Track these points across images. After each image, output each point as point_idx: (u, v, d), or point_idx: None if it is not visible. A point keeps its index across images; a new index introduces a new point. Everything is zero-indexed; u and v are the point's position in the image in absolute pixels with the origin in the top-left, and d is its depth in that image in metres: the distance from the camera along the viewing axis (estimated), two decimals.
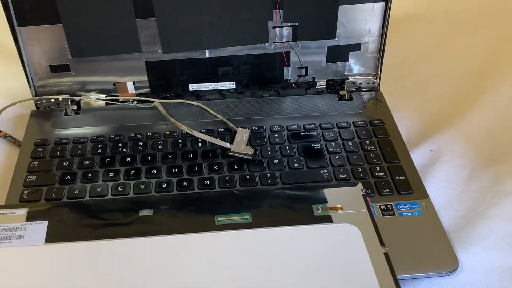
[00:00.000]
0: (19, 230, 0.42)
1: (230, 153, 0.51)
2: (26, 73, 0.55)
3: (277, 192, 0.47)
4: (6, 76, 0.63)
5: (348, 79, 0.60)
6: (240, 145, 0.52)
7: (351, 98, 0.59)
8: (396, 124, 0.56)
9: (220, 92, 0.59)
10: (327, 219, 0.43)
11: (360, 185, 0.46)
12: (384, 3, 0.55)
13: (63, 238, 0.42)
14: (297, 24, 0.55)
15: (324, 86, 0.60)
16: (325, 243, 0.42)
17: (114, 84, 0.57)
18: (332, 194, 0.45)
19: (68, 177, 0.49)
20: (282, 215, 0.44)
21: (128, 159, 0.51)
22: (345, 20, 0.56)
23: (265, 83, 0.59)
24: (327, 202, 0.45)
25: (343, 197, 0.45)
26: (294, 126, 0.55)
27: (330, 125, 0.55)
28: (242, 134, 0.53)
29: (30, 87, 0.56)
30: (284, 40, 0.56)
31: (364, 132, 0.54)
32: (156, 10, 0.52)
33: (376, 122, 0.56)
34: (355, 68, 0.60)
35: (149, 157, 0.51)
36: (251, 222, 0.43)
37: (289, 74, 0.59)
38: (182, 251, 0.41)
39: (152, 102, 0.56)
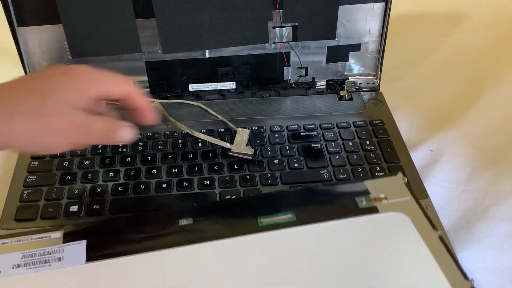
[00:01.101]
0: (58, 253, 0.41)
1: (230, 153, 0.51)
2: (26, 73, 0.55)
3: (317, 189, 0.46)
4: (6, 76, 0.63)
5: (348, 79, 0.60)
6: (240, 145, 0.52)
7: (351, 98, 0.59)
8: (396, 124, 0.56)
9: (220, 92, 0.59)
10: (373, 210, 0.42)
11: (400, 174, 0.46)
12: (384, 3, 0.55)
13: (105, 255, 0.41)
14: (297, 24, 0.55)
15: (324, 86, 0.60)
16: (375, 234, 0.41)
17: None
18: (373, 185, 0.45)
19: (68, 177, 0.49)
20: (326, 210, 0.43)
21: (128, 159, 0.51)
22: (345, 20, 0.56)
23: (265, 83, 0.59)
24: (370, 194, 0.44)
25: (385, 188, 0.44)
26: (294, 126, 0.55)
27: (330, 125, 0.55)
28: (242, 134, 0.53)
29: None
30: (284, 40, 0.56)
31: (364, 132, 0.54)
32: (156, 10, 0.52)
33: (376, 122, 0.56)
34: (355, 68, 0.60)
35: (149, 157, 0.51)
36: (295, 220, 0.42)
37: (289, 74, 0.59)
38: (229, 256, 0.40)
39: (152, 102, 0.56)
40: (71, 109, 0.37)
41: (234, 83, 0.59)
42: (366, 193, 0.44)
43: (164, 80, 0.57)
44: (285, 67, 0.58)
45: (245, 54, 0.57)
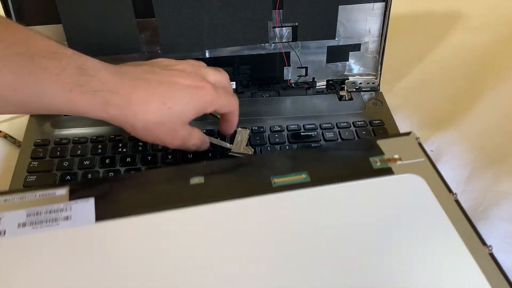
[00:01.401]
0: (65, 211, 0.39)
1: (230, 153, 0.51)
2: None
3: (331, 148, 0.46)
4: None
5: (348, 79, 0.60)
6: (240, 145, 0.52)
7: (351, 98, 0.59)
8: (396, 124, 0.56)
9: None
10: (387, 171, 0.42)
11: (413, 134, 0.45)
12: (384, 3, 0.55)
13: (114, 214, 0.39)
14: (297, 24, 0.55)
15: (324, 86, 0.60)
16: (390, 195, 0.40)
17: None
18: (387, 145, 0.44)
19: (68, 177, 0.49)
20: (340, 171, 0.42)
21: (128, 159, 0.51)
22: (345, 20, 0.56)
23: (265, 83, 0.59)
24: (384, 154, 0.43)
25: (399, 148, 0.43)
26: (294, 126, 0.55)
27: (330, 125, 0.55)
28: (242, 134, 0.53)
29: None
30: (284, 40, 0.56)
31: (364, 132, 0.54)
32: (156, 10, 0.52)
33: (376, 122, 0.56)
34: (355, 68, 0.60)
35: (149, 157, 0.51)
36: (309, 181, 0.41)
37: (289, 74, 0.59)
38: (241, 217, 0.39)
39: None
40: (182, 124, 0.44)
41: (234, 83, 0.58)
42: (380, 153, 0.43)
43: None
44: (285, 67, 0.58)
45: (245, 54, 0.57)
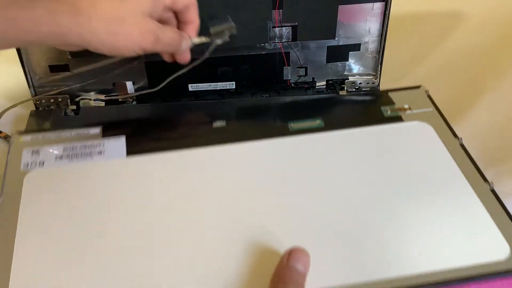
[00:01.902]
0: (98, 146, 0.44)
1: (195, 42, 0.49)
2: (25, 73, 0.55)
3: (344, 98, 0.49)
4: (6, 76, 0.63)
5: (348, 79, 0.60)
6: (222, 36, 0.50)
7: None
8: None
9: (220, 92, 0.59)
10: (398, 119, 0.46)
11: (423, 87, 0.48)
12: (384, 3, 0.55)
13: (144, 150, 0.44)
14: (297, 24, 0.55)
15: (324, 86, 0.60)
16: (400, 140, 0.44)
17: (113, 84, 0.57)
18: (398, 97, 0.48)
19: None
20: (352, 118, 0.46)
21: None
22: (345, 20, 0.56)
23: (265, 83, 0.59)
24: (395, 104, 0.48)
25: (409, 99, 0.48)
26: None
27: None
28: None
29: (29, 87, 0.56)
30: (283, 40, 0.56)
31: None
32: None
33: None
34: (355, 68, 0.60)
35: None
36: (323, 126, 0.45)
37: (289, 74, 0.59)
38: (260, 156, 0.43)
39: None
40: (144, 16, 0.41)
41: (234, 83, 0.58)
42: (391, 103, 0.48)
43: (164, 80, 0.57)
44: (284, 67, 0.58)
45: (245, 54, 0.57)
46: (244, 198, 0.40)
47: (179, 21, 0.46)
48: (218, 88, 0.58)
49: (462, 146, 0.43)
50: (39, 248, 0.37)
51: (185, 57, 0.47)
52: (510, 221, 0.36)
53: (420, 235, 0.36)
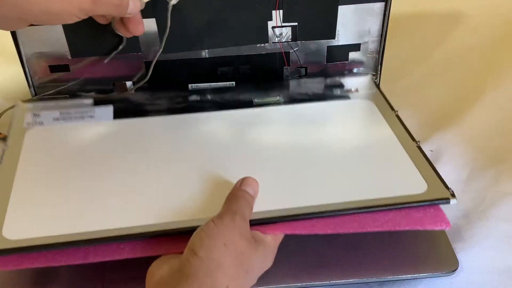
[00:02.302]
0: (89, 112, 0.53)
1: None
2: (25, 73, 0.55)
3: (303, 81, 0.58)
4: (6, 76, 0.63)
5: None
6: None
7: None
8: None
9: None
10: (346, 98, 0.55)
11: (370, 75, 0.58)
12: (384, 3, 0.55)
13: (129, 116, 0.52)
14: (297, 24, 0.55)
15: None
16: (346, 113, 0.53)
17: (113, 84, 0.57)
18: (348, 81, 0.58)
19: None
20: (307, 96, 0.56)
21: None
22: (345, 20, 0.56)
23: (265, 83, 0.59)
24: (344, 86, 0.57)
25: (357, 83, 0.57)
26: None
27: None
28: None
29: (29, 87, 0.56)
30: (283, 40, 0.56)
31: None
32: (156, 10, 0.52)
33: None
34: (355, 68, 0.60)
35: None
36: (283, 101, 0.55)
37: (289, 74, 0.59)
38: (228, 125, 0.51)
39: None
40: None
41: (234, 83, 0.58)
42: (341, 85, 0.57)
43: (164, 80, 0.57)
44: (284, 67, 0.58)
45: (245, 54, 0.57)
46: (214, 150, 0.48)
47: None
48: (218, 88, 0.58)
49: (398, 116, 0.51)
50: (36, 183, 0.44)
51: (138, 26, 0.47)
52: (429, 165, 0.44)
53: (353, 174, 0.45)
